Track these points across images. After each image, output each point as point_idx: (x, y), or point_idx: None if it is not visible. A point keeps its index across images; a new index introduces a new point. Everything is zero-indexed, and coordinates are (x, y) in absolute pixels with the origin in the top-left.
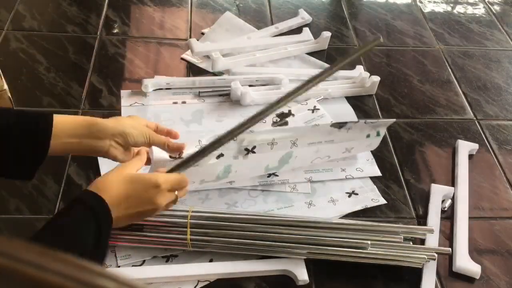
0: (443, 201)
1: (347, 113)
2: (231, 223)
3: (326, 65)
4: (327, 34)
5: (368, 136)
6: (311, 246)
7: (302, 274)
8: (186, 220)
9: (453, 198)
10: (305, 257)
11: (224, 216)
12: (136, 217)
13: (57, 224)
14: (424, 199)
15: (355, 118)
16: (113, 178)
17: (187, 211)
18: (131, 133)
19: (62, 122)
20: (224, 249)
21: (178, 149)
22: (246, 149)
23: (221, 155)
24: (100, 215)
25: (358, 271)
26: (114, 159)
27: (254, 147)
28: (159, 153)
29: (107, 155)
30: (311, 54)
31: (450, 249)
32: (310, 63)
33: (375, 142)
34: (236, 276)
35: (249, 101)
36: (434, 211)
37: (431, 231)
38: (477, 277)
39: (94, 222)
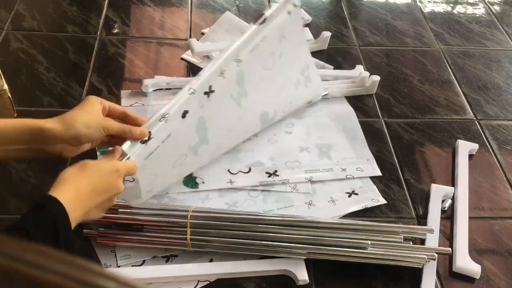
0: (443, 201)
1: (347, 112)
2: (231, 223)
3: (327, 65)
4: (327, 34)
5: (289, 12)
6: (311, 246)
7: (302, 274)
8: (186, 220)
9: (453, 198)
10: (305, 257)
11: (224, 216)
12: (107, 202)
13: (16, 231)
14: (424, 199)
15: (355, 117)
16: (75, 173)
17: (187, 211)
18: (84, 134)
19: (3, 128)
20: (224, 249)
21: (142, 136)
22: (206, 93)
23: (186, 112)
24: (57, 218)
25: (358, 271)
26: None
27: (210, 86)
28: (127, 145)
29: (61, 158)
30: (311, 54)
31: (450, 249)
32: None
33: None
34: (236, 276)
35: None
36: (435, 211)
37: (431, 231)
38: (477, 277)
39: (51, 226)
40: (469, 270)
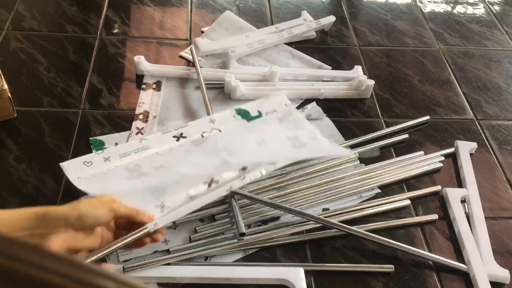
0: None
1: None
2: None
3: (325, 66)
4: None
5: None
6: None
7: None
8: None
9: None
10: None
11: None
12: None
13: None
14: (424, 200)
15: (336, 131)
16: None
17: None
18: (89, 214)
19: (8, 217)
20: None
21: (149, 220)
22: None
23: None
24: None
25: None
26: None
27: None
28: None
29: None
30: (310, 50)
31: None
32: (308, 63)
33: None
34: (234, 282)
35: (239, 95)
36: (461, 218)
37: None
38: (507, 283)
39: None
40: (498, 276)
